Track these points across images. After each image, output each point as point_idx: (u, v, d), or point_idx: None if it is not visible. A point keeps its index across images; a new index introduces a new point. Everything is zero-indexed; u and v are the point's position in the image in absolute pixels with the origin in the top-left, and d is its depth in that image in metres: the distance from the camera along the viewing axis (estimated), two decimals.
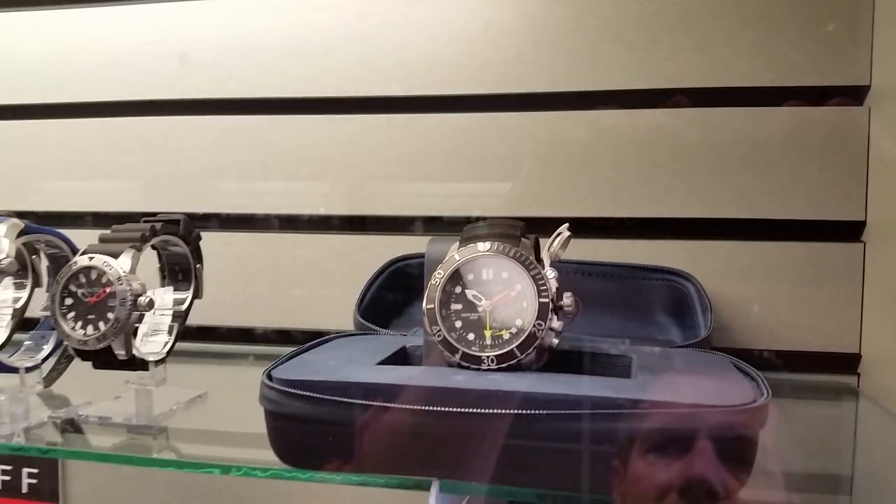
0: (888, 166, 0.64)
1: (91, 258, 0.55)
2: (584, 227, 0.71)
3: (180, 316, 0.64)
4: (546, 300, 0.45)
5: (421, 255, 0.58)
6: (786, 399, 0.63)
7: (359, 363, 0.48)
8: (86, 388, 0.63)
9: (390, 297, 0.69)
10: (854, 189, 0.66)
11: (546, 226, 0.53)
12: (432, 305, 0.46)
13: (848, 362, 0.67)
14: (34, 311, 0.63)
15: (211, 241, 0.67)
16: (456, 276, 0.47)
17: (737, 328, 0.68)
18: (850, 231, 0.67)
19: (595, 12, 0.71)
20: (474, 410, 0.40)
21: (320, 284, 0.79)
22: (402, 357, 0.52)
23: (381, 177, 0.76)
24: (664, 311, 0.66)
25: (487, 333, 0.46)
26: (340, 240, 0.78)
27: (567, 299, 0.45)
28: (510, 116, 0.73)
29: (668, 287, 0.66)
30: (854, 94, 0.66)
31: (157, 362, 0.60)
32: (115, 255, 0.55)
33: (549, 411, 0.39)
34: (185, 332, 0.64)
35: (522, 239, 0.47)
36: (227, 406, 0.65)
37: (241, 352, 0.80)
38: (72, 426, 0.57)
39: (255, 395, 0.46)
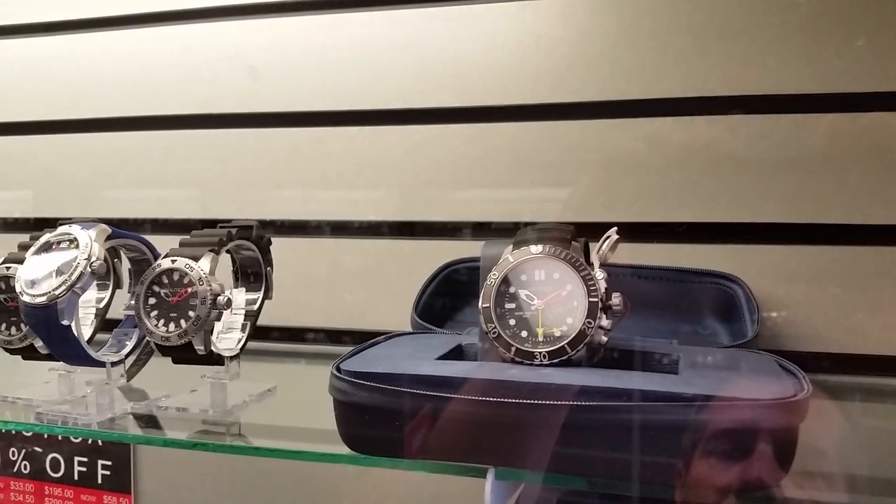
0: None
1: (174, 261, 0.60)
2: (634, 232, 0.74)
3: (252, 315, 0.68)
4: (595, 299, 0.48)
5: (473, 260, 0.62)
6: (832, 400, 0.65)
7: (418, 358, 0.51)
8: (163, 383, 0.68)
9: (445, 299, 0.73)
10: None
11: (596, 230, 0.56)
12: (488, 304, 0.50)
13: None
14: (114, 310, 0.69)
15: (275, 246, 0.71)
16: (510, 277, 0.50)
17: (784, 331, 0.69)
18: (894, 235, 0.68)
19: (643, 23, 0.74)
20: (527, 401, 0.43)
21: (375, 288, 0.82)
22: (458, 353, 0.55)
23: (436, 183, 0.80)
24: (712, 314, 0.68)
25: (540, 331, 0.49)
26: (395, 244, 0.82)
27: (616, 299, 0.48)
28: (560, 125, 0.76)
29: (716, 290, 0.68)
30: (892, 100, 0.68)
31: (232, 358, 0.64)
32: (196, 258, 0.60)
33: (598, 402, 0.42)
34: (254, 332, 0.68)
35: (573, 242, 0.50)
36: (294, 400, 0.70)
37: (300, 351, 0.84)
38: (151, 418, 0.62)
39: (319, 390, 0.49)
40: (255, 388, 0.66)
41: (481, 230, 0.79)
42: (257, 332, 0.71)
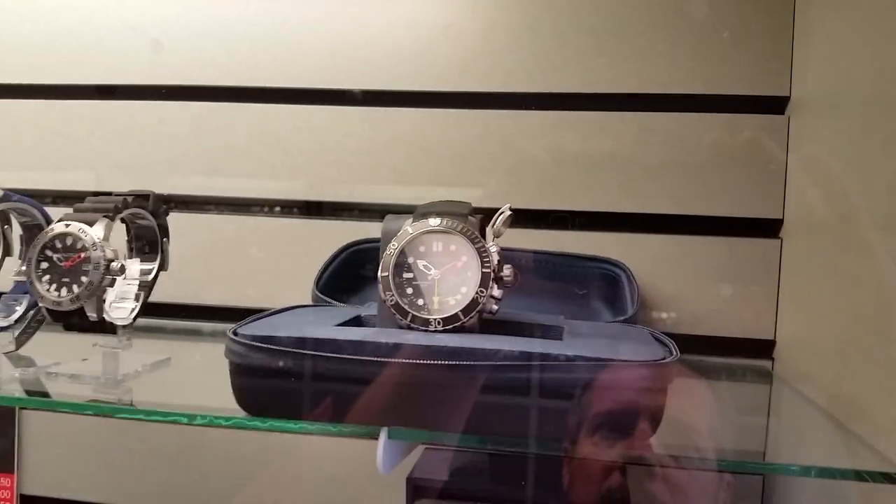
0: (804, 171, 0.71)
1: (67, 225, 0.59)
2: (528, 219, 0.77)
3: (146, 286, 0.67)
4: (488, 270, 0.50)
5: (375, 241, 0.63)
6: (706, 379, 0.70)
7: (317, 325, 0.52)
8: (52, 354, 0.66)
9: (346, 276, 0.74)
10: (773, 190, 0.73)
11: (493, 216, 0.59)
12: (387, 273, 0.51)
13: (764, 348, 0.74)
14: (2, 278, 0.67)
15: (175, 222, 0.70)
16: (408, 248, 0.52)
17: (663, 313, 0.74)
18: (768, 228, 0.74)
19: (546, 20, 0.77)
20: (421, 362, 0.45)
21: (277, 267, 0.82)
22: (357, 323, 0.56)
23: (341, 165, 0.81)
24: (598, 295, 0.72)
25: (435, 299, 0.51)
26: (299, 224, 0.82)
27: (507, 270, 0.50)
28: (466, 113, 0.79)
29: (601, 273, 0.72)
30: (776, 104, 0.73)
31: (125, 327, 0.63)
32: (90, 224, 0.59)
33: (485, 362, 0.44)
34: (148, 308, 0.67)
35: (469, 217, 0.52)
36: (189, 371, 0.69)
37: (198, 329, 0.83)
38: (39, 384, 0.61)
39: (215, 364, 0.50)
40: (148, 358, 0.65)
41: (385, 212, 0.80)
42: (154, 308, 0.70)
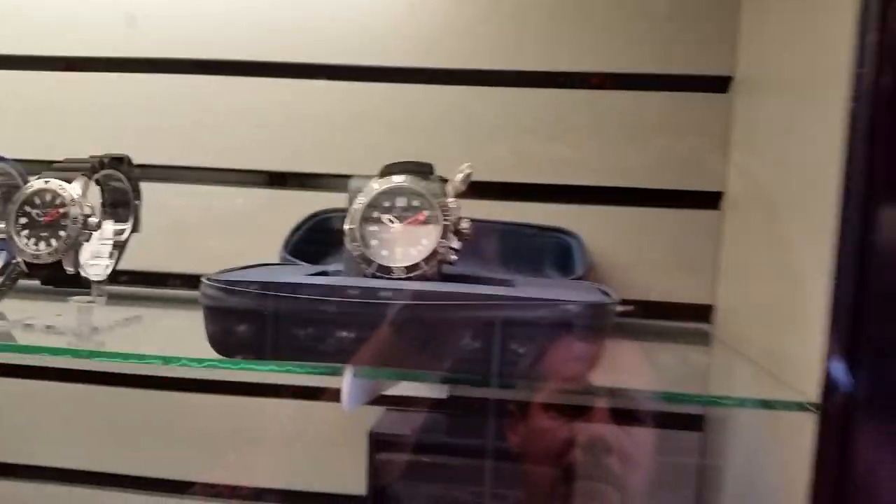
0: (744, 148, 0.76)
1: (46, 182, 0.62)
2: (490, 191, 0.81)
3: (120, 245, 0.70)
4: (448, 223, 0.54)
5: (342, 210, 0.67)
6: (649, 341, 0.75)
7: (286, 274, 0.56)
8: (25, 311, 0.68)
9: (314, 241, 0.77)
10: (716, 165, 0.78)
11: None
12: (353, 226, 0.55)
13: (704, 312, 0.79)
14: None
15: (145, 192, 0.73)
16: (374, 202, 0.55)
17: (612, 279, 0.79)
18: (711, 200, 0.79)
19: (506, 1, 0.81)
20: (385, 302, 0.49)
21: (245, 236, 0.85)
22: (323, 275, 0.60)
23: (309, 137, 0.84)
24: (551, 262, 0.76)
25: (398, 250, 0.55)
26: (268, 194, 0.86)
27: (465, 223, 0.55)
28: (430, 88, 0.82)
29: (555, 242, 0.77)
30: (720, 84, 0.78)
31: (100, 283, 0.66)
32: (68, 181, 0.62)
33: (446, 302, 0.48)
34: (117, 274, 0.70)
35: (431, 176, 0.56)
36: (161, 325, 0.72)
37: (166, 296, 0.86)
38: (12, 338, 0.63)
39: (185, 322, 0.53)
40: (121, 313, 0.68)
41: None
42: (123, 275, 0.72)
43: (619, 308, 0.52)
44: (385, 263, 0.54)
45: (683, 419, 0.80)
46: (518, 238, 0.77)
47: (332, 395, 0.82)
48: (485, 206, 0.80)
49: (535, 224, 0.78)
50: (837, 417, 0.44)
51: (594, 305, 0.48)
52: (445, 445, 0.77)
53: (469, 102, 0.82)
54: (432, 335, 0.50)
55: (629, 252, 0.80)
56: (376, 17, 0.83)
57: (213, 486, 0.85)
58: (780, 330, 0.60)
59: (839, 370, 0.44)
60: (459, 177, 0.56)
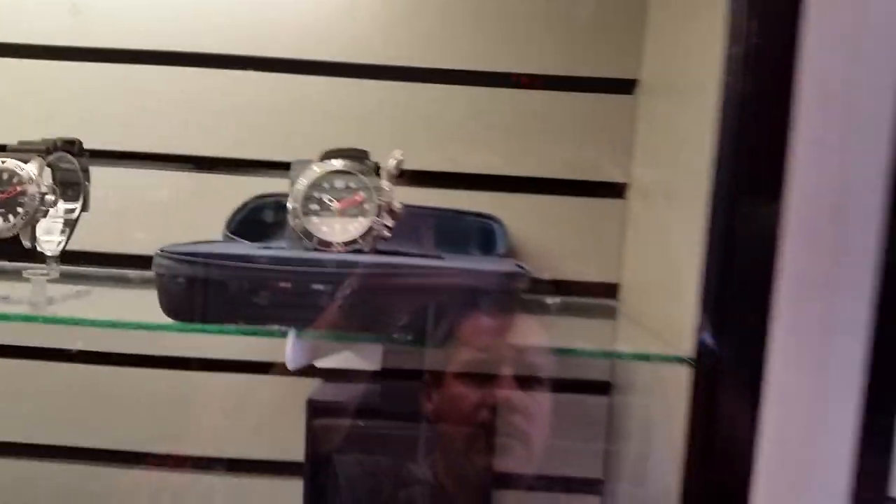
0: (645, 144, 0.85)
1: (3, 161, 0.66)
2: (419, 178, 0.88)
3: (70, 223, 0.74)
4: (382, 203, 0.61)
5: (281, 194, 0.73)
6: (562, 315, 0.84)
7: (234, 248, 0.62)
8: None
9: (255, 222, 0.82)
10: (622, 159, 0.87)
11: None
12: (296, 204, 0.61)
13: (611, 289, 0.88)
14: None
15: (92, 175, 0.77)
16: (316, 183, 0.62)
17: (530, 260, 0.87)
18: (617, 190, 0.88)
19: (434, 3, 0.89)
20: (325, 270, 0.56)
21: (190, 218, 0.90)
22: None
23: (250, 126, 0.90)
24: (476, 244, 0.84)
25: (337, 226, 0.61)
26: (210, 178, 0.90)
27: (397, 204, 0.61)
28: (363, 83, 0.89)
29: (479, 226, 0.84)
30: (627, 86, 0.87)
31: (53, 257, 0.71)
32: (25, 161, 0.66)
33: (379, 271, 0.55)
34: (66, 255, 0.75)
35: (366, 160, 0.63)
36: (111, 297, 0.77)
37: (109, 275, 0.90)
38: None
39: (134, 296, 0.58)
40: (73, 287, 0.72)
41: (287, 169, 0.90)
42: (71, 256, 0.76)
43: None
44: (325, 238, 0.61)
45: (592, 385, 0.89)
46: (446, 222, 0.84)
47: (276, 368, 0.89)
48: (417, 193, 0.87)
49: (461, 209, 0.86)
50: (706, 370, 0.53)
51: (510, 273, 0.56)
52: (379, 412, 0.84)
53: (400, 97, 0.89)
54: (368, 301, 0.56)
55: (546, 236, 0.88)
56: (312, 14, 0.89)
57: (157, 456, 0.89)
58: (667, 302, 0.69)
59: (707, 333, 0.53)
60: (392, 162, 0.63)
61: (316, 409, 0.82)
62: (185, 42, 0.89)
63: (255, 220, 0.82)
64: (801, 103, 0.47)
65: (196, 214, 0.89)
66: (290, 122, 0.89)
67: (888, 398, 0.48)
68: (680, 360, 0.54)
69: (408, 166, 0.89)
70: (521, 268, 0.62)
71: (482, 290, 0.55)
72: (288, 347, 0.58)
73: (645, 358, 0.58)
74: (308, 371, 0.84)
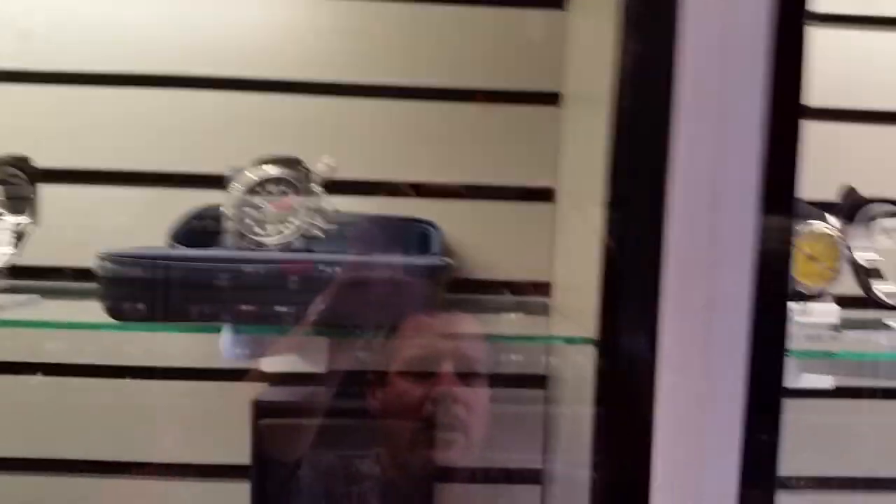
0: (568, 151, 0.91)
1: None
2: (357, 188, 0.92)
3: (18, 236, 0.77)
4: (313, 206, 0.65)
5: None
6: (498, 311, 0.89)
7: (172, 252, 0.66)
8: None
9: (197, 232, 0.86)
10: (548, 167, 0.93)
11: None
12: (232, 209, 0.65)
13: (544, 288, 0.93)
14: None
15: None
16: (250, 189, 0.66)
17: (467, 262, 0.92)
18: (546, 195, 0.93)
19: (365, 25, 0.93)
20: (263, 264, 0.60)
21: (135, 231, 0.93)
22: None
23: (193, 142, 0.93)
24: (412, 248, 0.88)
25: (271, 228, 0.65)
26: (151, 192, 0.94)
27: (327, 206, 0.66)
28: (303, 98, 0.93)
29: (414, 231, 0.89)
30: (551, 98, 0.93)
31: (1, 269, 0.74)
32: None
33: (316, 265, 0.60)
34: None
35: (299, 166, 0.68)
36: (57, 306, 0.79)
37: (54, 288, 0.93)
38: None
39: (79, 306, 0.60)
40: (18, 297, 0.75)
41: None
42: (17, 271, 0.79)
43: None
44: (260, 240, 0.65)
45: (529, 379, 0.94)
46: (382, 228, 0.89)
47: (224, 374, 0.93)
48: (355, 202, 0.92)
49: (395, 216, 0.90)
50: (605, 347, 0.57)
51: (432, 266, 0.61)
52: (324, 412, 0.87)
53: (339, 111, 0.93)
54: (304, 293, 0.60)
55: (479, 240, 0.93)
56: (251, 34, 0.93)
57: (104, 463, 0.92)
58: (585, 295, 0.74)
59: (607, 315, 0.57)
60: (322, 167, 0.67)
61: (261, 410, 0.85)
62: (129, 64, 0.93)
63: (195, 230, 0.85)
64: (679, 105, 0.52)
65: (142, 228, 0.92)
66: (233, 137, 0.93)
67: (770, 368, 0.54)
68: (585, 340, 0.59)
69: (347, 177, 0.94)
70: (443, 261, 0.67)
71: (406, 281, 0.60)
72: (224, 339, 0.62)
73: (552, 340, 0.63)
74: (255, 376, 0.88)
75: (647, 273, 0.54)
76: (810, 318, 0.74)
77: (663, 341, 0.53)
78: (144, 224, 0.92)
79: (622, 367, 0.56)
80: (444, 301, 0.62)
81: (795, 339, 0.70)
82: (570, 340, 0.60)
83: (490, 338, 0.64)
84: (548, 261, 0.93)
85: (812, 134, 0.93)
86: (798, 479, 0.93)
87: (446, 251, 0.89)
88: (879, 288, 0.69)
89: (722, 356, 0.53)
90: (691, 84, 0.53)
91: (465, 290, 0.93)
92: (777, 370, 0.52)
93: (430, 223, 0.89)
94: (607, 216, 0.59)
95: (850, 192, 0.75)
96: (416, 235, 0.88)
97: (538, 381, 0.94)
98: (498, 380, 0.84)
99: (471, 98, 0.93)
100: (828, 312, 0.74)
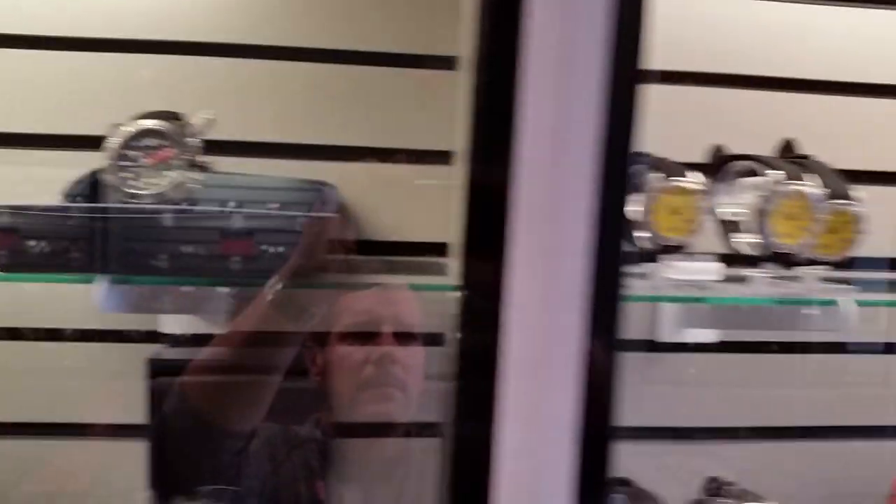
0: (463, 115, 0.92)
1: None
2: (258, 149, 0.93)
3: None
4: (190, 156, 0.66)
5: None
6: (396, 271, 0.91)
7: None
8: None
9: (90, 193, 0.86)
10: (447, 128, 0.95)
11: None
12: (112, 161, 0.66)
13: (441, 248, 0.95)
14: None
15: None
16: (127, 142, 0.67)
17: (367, 223, 0.94)
18: (444, 157, 0.95)
19: None
20: (142, 216, 0.61)
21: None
22: None
23: (90, 103, 0.93)
24: (308, 208, 0.90)
25: (153, 180, 0.66)
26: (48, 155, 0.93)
27: (203, 158, 0.67)
28: (202, 60, 0.93)
29: (310, 191, 0.90)
30: (448, 62, 0.95)
31: None
32: None
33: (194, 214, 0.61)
34: None
35: (176, 119, 0.68)
36: None
37: None
38: None
39: None
40: None
41: None
42: None
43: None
44: (136, 192, 0.66)
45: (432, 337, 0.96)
46: (277, 189, 0.90)
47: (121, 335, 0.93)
48: (255, 163, 0.93)
49: (291, 178, 0.92)
50: (468, 293, 0.60)
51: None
52: (220, 369, 0.89)
53: (239, 73, 0.94)
54: (179, 244, 0.62)
55: (379, 201, 0.95)
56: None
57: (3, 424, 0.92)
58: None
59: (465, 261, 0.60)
60: (199, 121, 0.68)
61: (156, 369, 0.86)
62: (28, 26, 0.92)
63: (87, 192, 0.85)
64: (528, 70, 0.55)
65: (42, 192, 0.92)
66: (132, 100, 0.92)
67: (607, 305, 0.57)
68: (450, 287, 0.61)
69: (250, 137, 0.95)
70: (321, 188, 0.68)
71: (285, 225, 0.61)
72: (99, 291, 0.63)
73: (422, 288, 0.65)
74: (156, 338, 0.90)
75: (498, 224, 0.56)
76: (689, 274, 0.78)
77: (512, 283, 0.56)
78: (44, 189, 0.92)
79: (477, 308, 0.58)
80: (347, 260, 0.64)
81: (664, 289, 0.73)
82: (440, 288, 0.63)
83: (370, 286, 0.66)
84: (445, 222, 0.95)
85: (687, 98, 0.97)
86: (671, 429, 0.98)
87: (345, 213, 0.90)
88: (738, 239, 0.73)
89: (562, 296, 0.55)
90: (537, 50, 0.55)
91: (367, 252, 0.94)
92: (613, 309, 0.55)
93: (324, 184, 0.91)
94: (466, 172, 0.61)
95: (717, 151, 0.79)
96: (312, 196, 0.90)
97: (439, 339, 0.96)
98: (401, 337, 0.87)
99: (371, 61, 0.95)
100: (706, 269, 0.78)
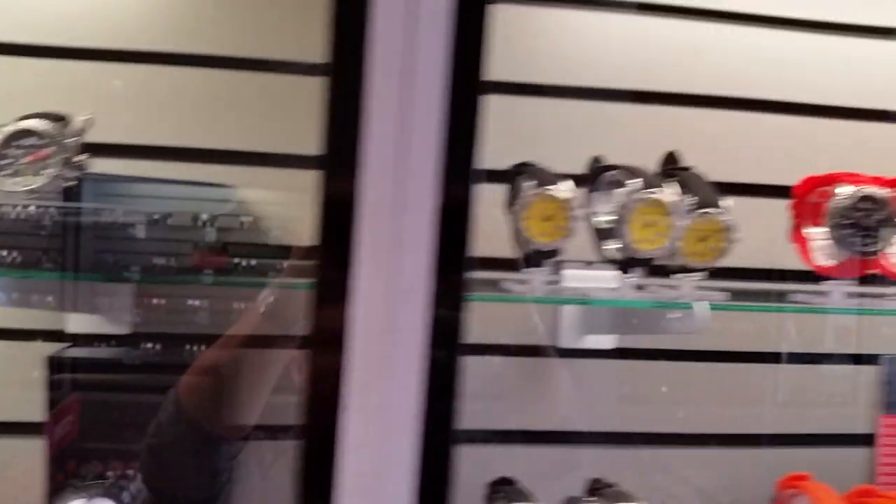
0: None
1: None
2: (164, 153, 0.95)
3: None
4: (67, 155, 0.69)
5: None
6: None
7: None
8: None
9: None
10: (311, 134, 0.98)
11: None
12: None
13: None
14: None
15: None
16: (7, 141, 0.69)
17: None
18: (309, 161, 0.97)
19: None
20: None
21: None
22: None
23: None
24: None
25: (25, 179, 0.68)
26: None
27: (82, 158, 0.69)
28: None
29: (209, 192, 0.92)
30: (316, 69, 0.97)
31: None
32: None
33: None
34: None
35: (56, 121, 0.71)
36: None
37: None
38: None
39: None
40: None
41: None
42: None
43: None
44: (14, 189, 0.68)
45: None
46: (178, 190, 0.92)
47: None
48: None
49: (202, 181, 0.94)
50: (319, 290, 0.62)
51: None
52: (118, 367, 0.91)
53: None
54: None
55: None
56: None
57: None
58: None
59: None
60: (79, 121, 0.70)
61: (56, 366, 0.88)
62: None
63: None
64: (372, 78, 0.57)
65: None
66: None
67: (450, 295, 0.59)
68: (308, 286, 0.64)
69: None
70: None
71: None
72: None
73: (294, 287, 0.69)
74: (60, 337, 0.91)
75: (345, 224, 0.59)
76: (584, 282, 0.80)
77: (358, 280, 0.58)
78: None
79: (327, 304, 0.61)
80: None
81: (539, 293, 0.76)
82: (303, 287, 0.65)
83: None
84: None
85: (587, 112, 1.01)
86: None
87: (246, 215, 0.92)
88: (607, 247, 0.76)
89: (405, 292, 0.58)
90: (381, 58, 0.58)
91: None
92: (456, 307, 0.58)
93: (224, 185, 0.93)
94: (320, 176, 0.64)
95: (594, 161, 0.82)
96: (211, 196, 0.92)
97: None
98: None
99: (233, 66, 0.97)
100: (602, 277, 0.80)
